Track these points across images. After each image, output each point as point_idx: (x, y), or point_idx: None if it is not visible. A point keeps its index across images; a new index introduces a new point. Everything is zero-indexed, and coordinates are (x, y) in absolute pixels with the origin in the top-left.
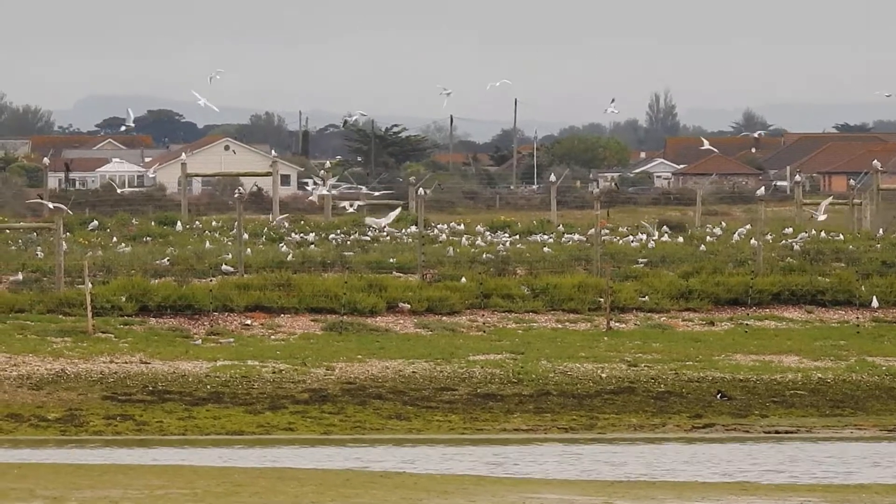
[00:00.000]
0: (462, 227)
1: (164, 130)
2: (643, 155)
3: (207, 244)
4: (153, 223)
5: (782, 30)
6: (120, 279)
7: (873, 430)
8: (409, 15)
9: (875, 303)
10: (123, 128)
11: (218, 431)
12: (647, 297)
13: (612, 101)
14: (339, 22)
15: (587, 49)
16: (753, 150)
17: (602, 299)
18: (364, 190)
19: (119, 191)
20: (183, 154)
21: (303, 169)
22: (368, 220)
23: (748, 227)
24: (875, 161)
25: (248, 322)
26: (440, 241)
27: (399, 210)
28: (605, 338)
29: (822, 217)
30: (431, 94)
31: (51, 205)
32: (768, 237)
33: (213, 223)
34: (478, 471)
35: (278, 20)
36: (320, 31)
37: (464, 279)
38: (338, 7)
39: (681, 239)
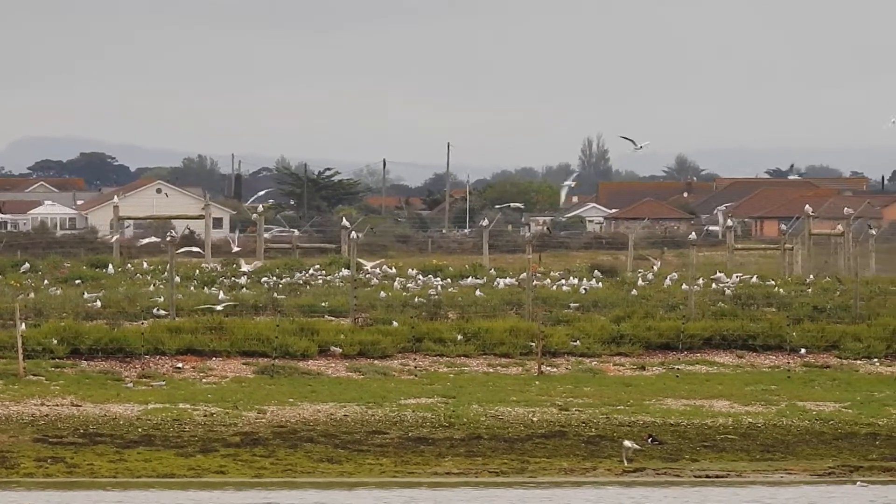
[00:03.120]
0: (394, 270)
1: (96, 173)
2: (575, 199)
3: (151, 287)
4: (85, 266)
5: (713, 75)
6: (51, 322)
7: (803, 474)
8: (344, 60)
9: (803, 350)
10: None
11: (149, 474)
12: (578, 341)
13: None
14: (271, 66)
15: (520, 93)
16: (685, 194)
17: (534, 343)
18: (296, 233)
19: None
20: (115, 197)
21: (235, 212)
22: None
23: (678, 273)
24: (807, 206)
25: (180, 365)
26: (372, 285)
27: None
28: (537, 382)
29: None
30: (364, 137)
31: None
32: (700, 282)
33: (145, 266)
34: None
35: (211, 64)
36: (252, 76)
37: (395, 323)
38: (270, 52)
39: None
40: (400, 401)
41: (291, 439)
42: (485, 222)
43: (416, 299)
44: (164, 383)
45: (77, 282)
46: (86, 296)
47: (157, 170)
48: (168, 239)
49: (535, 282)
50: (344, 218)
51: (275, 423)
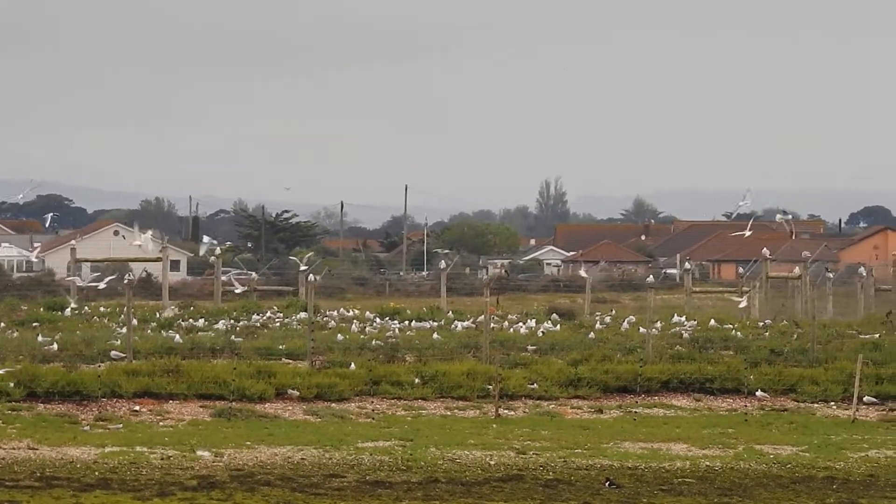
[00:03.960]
0: (352, 313)
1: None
2: (533, 242)
3: (118, 330)
4: (42, 308)
5: (670, 118)
6: (8, 364)
7: None
8: (302, 100)
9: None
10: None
11: None
12: (536, 384)
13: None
14: (228, 109)
15: (478, 136)
16: (643, 237)
17: (491, 386)
18: (254, 276)
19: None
20: (73, 240)
21: (193, 254)
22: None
23: (636, 316)
24: (764, 249)
25: (137, 408)
26: (330, 328)
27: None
28: (494, 425)
29: None
30: (323, 179)
31: None
32: (657, 325)
33: (102, 309)
34: None
35: (166, 107)
36: (208, 119)
37: (353, 366)
38: (227, 96)
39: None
40: (357, 444)
41: (249, 482)
42: (442, 265)
43: (373, 342)
44: (120, 426)
45: (34, 324)
46: (40, 339)
47: (114, 212)
48: (126, 282)
49: (492, 324)
50: (300, 260)
51: (232, 467)
